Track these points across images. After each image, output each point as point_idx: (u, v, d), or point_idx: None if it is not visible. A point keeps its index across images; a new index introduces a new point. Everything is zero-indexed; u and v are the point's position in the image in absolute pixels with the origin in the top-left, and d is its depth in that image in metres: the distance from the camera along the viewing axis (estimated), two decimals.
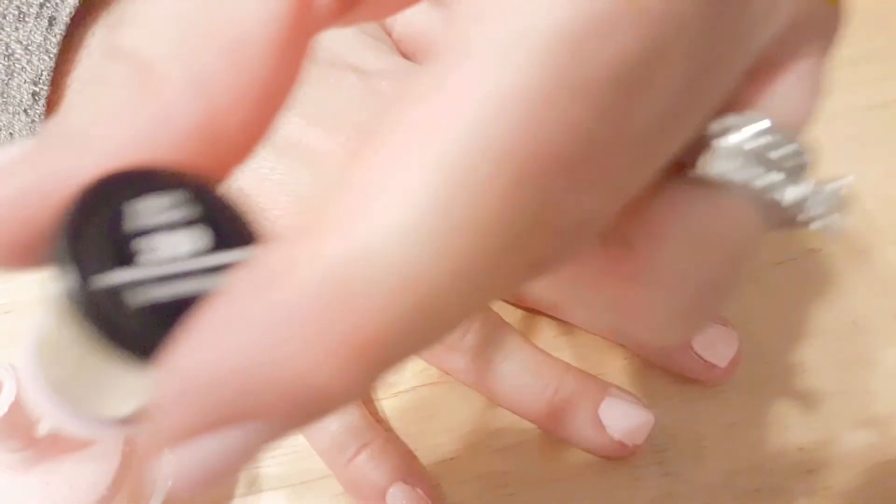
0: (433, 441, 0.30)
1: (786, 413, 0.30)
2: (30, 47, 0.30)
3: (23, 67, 0.30)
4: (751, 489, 0.29)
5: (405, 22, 0.34)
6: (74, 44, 0.30)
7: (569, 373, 0.30)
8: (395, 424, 0.31)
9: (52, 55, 0.30)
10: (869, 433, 0.30)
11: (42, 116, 0.30)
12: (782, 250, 0.33)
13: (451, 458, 0.30)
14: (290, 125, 0.31)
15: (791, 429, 0.30)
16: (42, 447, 0.24)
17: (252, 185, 0.30)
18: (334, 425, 0.29)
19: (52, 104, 0.30)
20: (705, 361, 0.30)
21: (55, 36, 0.29)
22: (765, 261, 0.33)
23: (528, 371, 0.30)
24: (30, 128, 0.30)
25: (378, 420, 0.31)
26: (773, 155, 0.14)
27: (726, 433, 0.30)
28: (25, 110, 0.30)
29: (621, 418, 0.29)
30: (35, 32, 0.29)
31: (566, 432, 0.29)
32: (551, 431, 0.30)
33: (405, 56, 0.35)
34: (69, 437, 0.24)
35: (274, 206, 0.30)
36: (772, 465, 0.30)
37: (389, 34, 0.35)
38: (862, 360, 0.31)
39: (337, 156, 0.31)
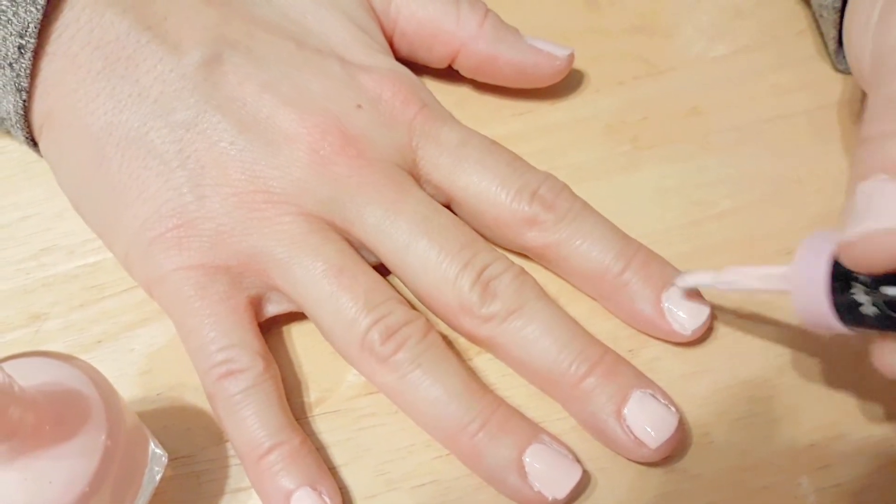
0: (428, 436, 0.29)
1: (797, 409, 0.29)
2: None
3: (8, 20, 0.29)
4: (759, 486, 0.28)
5: (409, 14, 0.34)
6: None
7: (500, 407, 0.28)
8: (392, 418, 0.30)
9: (39, 6, 0.29)
10: (883, 429, 0.29)
11: (28, 70, 0.30)
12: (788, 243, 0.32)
13: (449, 453, 0.29)
14: (261, 101, 0.30)
15: (802, 424, 0.29)
16: (20, 441, 0.23)
17: (209, 157, 0.29)
18: (252, 419, 0.28)
19: (37, 57, 0.30)
20: (635, 437, 0.28)
21: None
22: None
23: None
24: (14, 82, 0.30)
25: (374, 411, 0.30)
26: None
27: (733, 429, 0.29)
28: (11, 64, 0.29)
29: (546, 469, 0.27)
30: None
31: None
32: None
33: (407, 52, 0.35)
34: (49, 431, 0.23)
35: (226, 181, 0.29)
36: (781, 461, 0.29)
37: (392, 31, 0.34)
38: None
39: (303, 140, 0.30)
